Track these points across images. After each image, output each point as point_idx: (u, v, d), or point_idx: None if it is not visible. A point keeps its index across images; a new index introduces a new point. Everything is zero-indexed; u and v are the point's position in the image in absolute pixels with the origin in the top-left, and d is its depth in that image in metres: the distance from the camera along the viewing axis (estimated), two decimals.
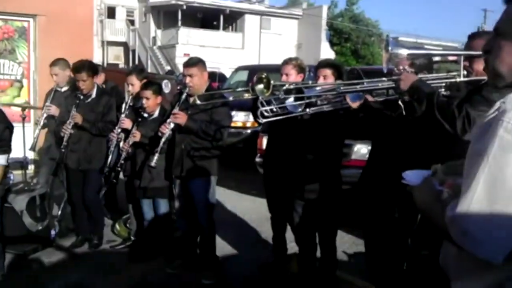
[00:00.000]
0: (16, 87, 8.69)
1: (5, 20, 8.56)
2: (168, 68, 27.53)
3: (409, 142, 3.13)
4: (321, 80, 3.70)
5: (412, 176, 1.59)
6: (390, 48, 2.84)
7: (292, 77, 4.12)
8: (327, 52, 31.18)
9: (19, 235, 4.67)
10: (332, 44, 34.47)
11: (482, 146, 1.18)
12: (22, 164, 5.87)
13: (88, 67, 4.82)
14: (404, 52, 2.90)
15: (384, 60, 2.99)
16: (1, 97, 8.48)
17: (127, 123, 4.64)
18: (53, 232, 4.99)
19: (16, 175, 5.89)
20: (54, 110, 5.02)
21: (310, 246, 3.96)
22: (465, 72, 2.89)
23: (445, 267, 1.40)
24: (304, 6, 35.78)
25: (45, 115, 5.09)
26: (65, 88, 5.20)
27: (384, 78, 3.01)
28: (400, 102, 3.12)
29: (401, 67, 2.99)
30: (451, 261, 1.35)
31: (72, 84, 5.23)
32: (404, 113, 3.12)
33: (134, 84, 4.83)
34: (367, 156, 4.59)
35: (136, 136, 4.45)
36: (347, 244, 5.04)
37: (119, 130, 4.68)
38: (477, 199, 1.16)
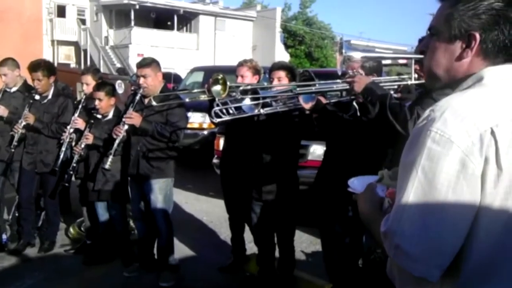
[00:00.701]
0: None
1: None
2: (119, 65, 27.01)
3: (362, 143, 3.21)
4: (275, 82, 3.75)
5: (357, 184, 1.55)
6: (344, 51, 2.91)
7: (248, 78, 4.15)
8: (281, 54, 31.47)
9: None
10: (286, 47, 34.80)
11: (412, 158, 1.14)
12: None
13: (44, 66, 4.70)
14: (357, 55, 2.99)
15: (338, 63, 3.06)
16: None
17: (80, 123, 4.54)
18: (4, 237, 4.83)
19: None
20: (2, 111, 4.85)
21: (269, 246, 4.01)
22: (416, 75, 3.01)
23: (391, 277, 1.36)
24: (258, 8, 35.95)
25: None
26: (14, 89, 5.02)
27: (338, 80, 3.08)
28: (354, 104, 3.22)
29: (354, 70, 3.08)
30: (395, 272, 1.31)
31: (23, 84, 5.06)
32: (358, 114, 3.21)
33: (89, 84, 4.74)
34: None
35: (89, 138, 4.35)
36: (305, 243, 5.11)
37: (71, 130, 4.57)
38: (407, 213, 1.12)
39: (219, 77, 3.33)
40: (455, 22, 1.25)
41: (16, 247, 4.85)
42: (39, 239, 5.00)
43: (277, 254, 4.02)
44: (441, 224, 1.10)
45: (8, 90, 5.01)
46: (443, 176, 1.10)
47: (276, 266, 4.02)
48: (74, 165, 4.45)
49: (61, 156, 4.58)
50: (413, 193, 1.12)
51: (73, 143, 4.56)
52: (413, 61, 3.00)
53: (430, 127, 1.12)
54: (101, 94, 4.35)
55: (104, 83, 4.59)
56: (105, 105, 4.40)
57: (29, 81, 5.01)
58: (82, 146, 4.38)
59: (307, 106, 3.18)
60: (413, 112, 2.64)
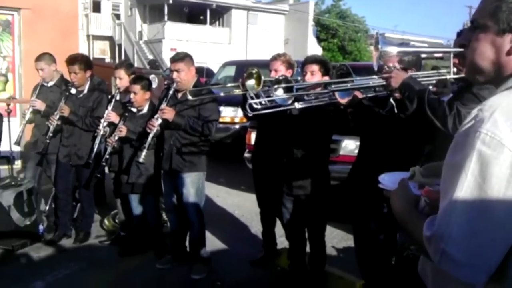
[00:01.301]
0: (1, 81, 8.58)
1: None
2: (151, 57, 27.38)
3: (398, 139, 3.15)
4: (308, 76, 3.71)
5: (388, 180, 1.52)
6: (380, 46, 2.86)
7: (281, 73, 4.09)
8: (314, 48, 31.24)
9: (7, 230, 4.63)
10: (319, 40, 34.54)
11: (459, 159, 1.11)
12: (8, 158, 5.81)
13: (81, 60, 4.80)
14: (393, 50, 2.92)
15: (374, 58, 3.00)
16: None
17: (113, 116, 4.62)
18: (41, 227, 4.95)
19: (2, 170, 5.84)
20: (39, 105, 4.97)
21: (300, 241, 3.99)
22: (455, 69, 2.93)
23: (423, 277, 1.33)
24: (291, 2, 35.77)
25: (30, 109, 5.05)
26: (51, 83, 5.14)
27: (374, 76, 3.02)
28: (391, 100, 3.15)
29: (391, 65, 3.02)
30: (429, 273, 1.28)
31: (59, 79, 5.18)
32: (396, 111, 3.14)
33: (122, 78, 4.79)
34: (356, 151, 4.62)
35: (122, 131, 4.42)
36: (336, 239, 5.07)
37: (105, 124, 4.65)
38: (455, 218, 1.09)
39: (254, 71, 3.32)
40: (503, 15, 1.19)
41: (52, 237, 4.98)
42: (74, 230, 5.12)
43: (308, 249, 4.01)
44: (490, 230, 1.07)
45: (45, 84, 5.13)
46: (494, 180, 1.06)
47: (307, 261, 4.01)
48: (107, 156, 4.53)
49: (95, 149, 4.68)
50: (461, 197, 1.09)
51: (106, 136, 4.65)
52: (451, 55, 2.92)
53: (479, 128, 1.08)
54: (136, 88, 4.41)
55: (140, 77, 4.64)
56: (140, 98, 4.45)
57: (66, 76, 5.12)
58: (116, 138, 4.45)
59: (343, 101, 3.14)
60: (453, 108, 2.58)
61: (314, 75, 3.69)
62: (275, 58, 4.21)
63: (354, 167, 3.56)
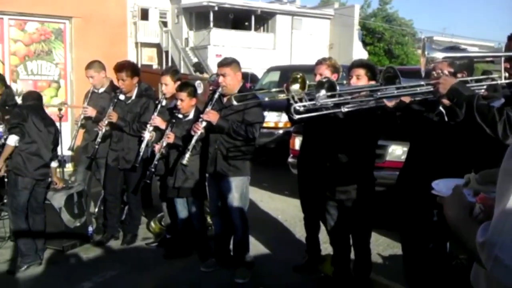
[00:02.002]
0: (54, 87, 8.93)
1: (42, 22, 8.81)
2: (195, 60, 27.81)
3: (450, 145, 3.06)
4: (354, 80, 3.66)
5: (442, 186, 1.49)
6: (426, 52, 2.79)
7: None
8: (359, 52, 30.87)
9: (58, 231, 4.80)
10: (365, 44, 34.12)
11: None
12: (60, 162, 6.02)
13: (128, 67, 4.92)
14: (439, 55, 2.84)
15: (422, 64, 2.93)
16: None
17: (158, 121, 4.71)
18: (90, 229, 5.11)
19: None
20: (91, 112, 5.13)
21: (344, 247, 3.93)
22: (506, 74, 2.82)
23: (475, 286, 1.30)
24: (336, 6, 35.52)
25: (82, 116, 5.22)
26: (101, 90, 5.30)
27: (422, 82, 2.94)
28: (441, 108, 3.05)
29: (439, 71, 2.93)
30: (483, 281, 1.25)
31: (109, 85, 5.32)
32: (446, 118, 3.04)
33: (168, 84, 4.87)
34: (403, 157, 4.52)
35: (170, 137, 4.49)
36: (382, 246, 4.97)
37: (151, 129, 4.74)
38: (509, 225, 1.07)
39: (298, 76, 3.31)
40: None
41: (100, 239, 5.12)
42: (122, 232, 5.24)
43: (353, 256, 3.94)
44: None
45: (96, 91, 5.30)
46: None
47: (352, 268, 3.94)
48: (156, 163, 4.60)
49: (141, 153, 4.79)
50: None
51: (152, 141, 4.75)
52: (502, 59, 2.82)
53: None
54: (183, 95, 4.47)
55: (187, 84, 4.70)
56: (186, 105, 4.51)
57: (115, 82, 5.27)
58: (164, 144, 4.53)
59: (390, 104, 3.08)
60: (503, 114, 2.49)
61: (360, 79, 3.64)
62: (320, 62, 4.18)
63: (402, 173, 3.48)
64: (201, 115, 4.18)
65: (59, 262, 4.63)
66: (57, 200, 4.81)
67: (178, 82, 4.85)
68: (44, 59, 8.84)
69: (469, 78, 3.01)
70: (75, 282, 4.19)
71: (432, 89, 2.83)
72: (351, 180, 3.70)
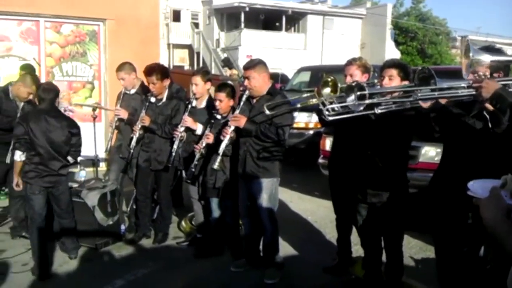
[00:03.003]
0: (88, 88, 9.13)
1: (77, 25, 9.02)
2: (224, 55, 28.00)
3: (487, 147, 2.96)
4: (386, 81, 3.60)
5: (478, 187, 1.46)
6: (471, 55, 2.70)
7: (357, 77, 4.03)
8: (392, 52, 30.45)
9: (91, 229, 4.90)
10: (397, 44, 33.63)
11: None
12: (93, 161, 6.14)
13: (158, 70, 4.95)
14: (487, 58, 2.75)
15: (464, 66, 2.84)
16: (74, 98, 8.94)
17: (189, 122, 4.74)
18: (123, 227, 5.20)
19: (88, 172, 6.17)
20: (123, 114, 5.21)
21: (375, 250, 3.88)
22: None
23: None
24: (368, 5, 35.12)
25: (116, 118, 5.31)
26: (133, 91, 5.37)
27: (463, 84, 2.83)
28: (485, 113, 2.95)
29: (481, 73, 2.84)
30: None
31: (140, 86, 5.39)
32: (490, 125, 2.94)
33: (198, 84, 4.87)
34: (436, 159, 4.44)
35: (210, 138, 4.52)
36: (414, 249, 4.89)
37: (182, 129, 4.78)
38: None
39: (329, 79, 3.27)
40: None
41: (132, 237, 5.20)
42: (153, 231, 5.31)
43: (384, 258, 3.89)
44: None
45: (127, 92, 5.38)
46: None
47: (383, 271, 3.89)
48: (196, 162, 4.63)
49: (173, 154, 4.83)
50: None
51: (183, 141, 4.80)
52: None
53: None
54: (222, 95, 4.47)
55: (225, 85, 4.71)
56: (225, 106, 4.52)
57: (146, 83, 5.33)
58: (203, 145, 4.56)
59: (425, 105, 3.01)
60: None
61: (393, 80, 3.58)
62: (350, 62, 4.13)
63: (436, 175, 3.39)
64: (229, 120, 4.19)
65: (93, 259, 4.72)
66: (91, 198, 4.91)
67: (209, 83, 4.88)
68: (78, 61, 9.05)
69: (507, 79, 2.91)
70: (107, 279, 4.26)
71: (474, 92, 2.73)
72: (383, 183, 3.65)
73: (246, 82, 4.19)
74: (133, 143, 5.02)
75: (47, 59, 8.80)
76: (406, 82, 3.55)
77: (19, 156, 4.34)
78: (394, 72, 3.59)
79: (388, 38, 32.15)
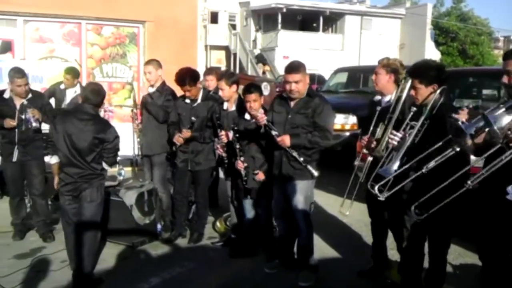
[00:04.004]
0: (127, 89, 9.33)
1: (117, 27, 9.24)
2: (258, 51, 28.13)
3: None
4: (412, 92, 3.51)
5: None
6: None
7: (381, 76, 4.06)
8: (432, 52, 29.84)
9: (129, 228, 5.00)
10: (437, 44, 32.94)
11: None
12: (132, 161, 6.27)
13: (190, 78, 4.98)
14: None
15: None
16: (113, 98, 9.15)
17: (225, 137, 4.72)
18: (159, 226, 5.27)
19: (126, 171, 6.30)
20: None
21: (417, 256, 3.75)
22: None
23: None
24: (408, 5, 34.55)
25: (137, 121, 5.37)
26: (153, 90, 5.39)
27: None
28: None
29: None
30: None
31: (161, 84, 5.37)
32: None
33: (223, 89, 4.87)
34: (480, 163, 4.28)
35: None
36: (453, 255, 4.74)
37: (223, 144, 4.81)
38: None
39: None
40: None
41: (169, 236, 5.27)
42: (189, 230, 5.36)
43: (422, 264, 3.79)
44: None
45: (149, 91, 5.43)
46: None
47: (423, 277, 3.78)
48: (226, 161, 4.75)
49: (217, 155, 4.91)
50: None
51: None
52: None
53: None
54: (251, 97, 4.46)
55: (256, 86, 4.73)
56: (255, 106, 4.53)
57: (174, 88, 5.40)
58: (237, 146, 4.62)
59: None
60: None
61: (417, 90, 3.46)
62: (378, 62, 4.13)
63: (485, 179, 3.26)
64: (278, 139, 4.13)
65: (129, 257, 4.82)
66: (129, 197, 5.01)
67: (234, 85, 4.88)
68: (118, 62, 9.27)
69: None
70: (144, 277, 4.34)
71: None
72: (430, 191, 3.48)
73: (294, 86, 4.12)
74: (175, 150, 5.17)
75: (88, 61, 9.05)
76: (433, 86, 3.42)
77: (50, 158, 4.34)
78: (415, 82, 3.49)
79: (428, 38, 31.53)
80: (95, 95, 4.20)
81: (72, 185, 4.11)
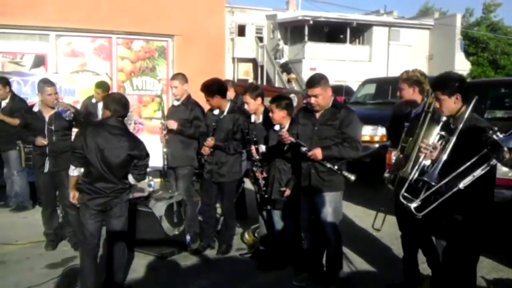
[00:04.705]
0: (157, 102, 9.45)
1: (147, 41, 9.41)
2: (283, 60, 28.19)
3: None
4: (436, 105, 3.46)
5: None
6: None
7: (404, 91, 4.13)
8: (462, 63, 29.42)
9: (158, 238, 5.04)
10: (467, 54, 32.43)
11: None
12: (161, 172, 6.33)
13: (217, 90, 5.07)
14: None
15: None
16: (143, 111, 9.29)
17: (255, 151, 4.75)
18: (188, 237, 5.30)
19: (156, 183, 6.37)
20: (172, 124, 5.30)
21: (451, 271, 3.65)
22: None
23: None
24: (436, 16, 34.18)
25: (165, 132, 5.40)
26: (178, 103, 5.44)
27: None
28: None
29: None
30: None
31: (186, 98, 5.41)
32: None
33: (249, 102, 4.93)
34: (510, 174, 4.20)
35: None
36: (486, 269, 4.63)
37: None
38: None
39: None
40: None
41: (197, 248, 5.29)
42: (217, 242, 5.38)
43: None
44: None
45: (174, 104, 5.49)
46: None
47: None
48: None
49: (243, 168, 4.94)
50: None
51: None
52: None
53: None
54: (272, 106, 4.53)
55: (279, 97, 4.76)
56: (277, 116, 4.53)
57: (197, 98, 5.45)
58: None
59: None
60: None
61: (442, 102, 3.40)
62: (400, 75, 4.20)
63: None
64: (309, 154, 4.12)
65: (159, 268, 4.85)
66: (158, 209, 5.06)
67: (259, 98, 4.92)
68: (148, 75, 9.43)
69: None
70: None
71: None
72: (460, 205, 3.35)
73: (313, 100, 4.16)
74: (205, 157, 5.18)
75: (119, 74, 9.23)
76: (456, 96, 3.37)
77: (71, 170, 4.13)
78: (438, 93, 3.41)
79: (457, 49, 31.10)
80: (123, 106, 4.12)
81: (103, 199, 3.98)
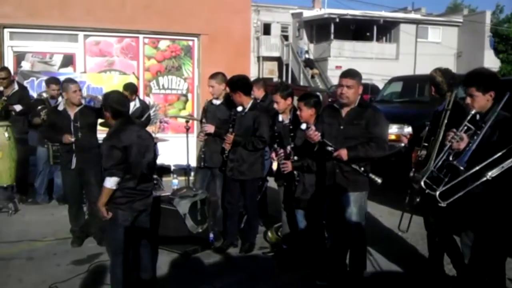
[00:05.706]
0: (182, 100, 9.57)
1: (173, 40, 9.51)
2: (306, 56, 28.08)
3: None
4: (468, 100, 3.40)
5: None
6: None
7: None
8: (491, 60, 28.77)
9: (182, 236, 5.08)
10: (497, 52, 31.71)
11: None
12: (185, 171, 6.39)
13: (241, 86, 5.09)
14: None
15: None
16: (169, 109, 9.39)
17: (274, 156, 4.81)
18: (211, 235, 5.33)
19: (180, 181, 6.43)
20: (210, 129, 5.35)
21: (475, 272, 3.59)
22: None
23: None
24: (465, 12, 33.52)
25: (203, 134, 5.45)
26: (218, 102, 5.49)
27: None
28: None
29: None
30: None
31: (224, 98, 5.51)
32: None
33: (279, 102, 4.91)
34: None
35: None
36: None
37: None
38: None
39: None
40: None
41: (221, 246, 5.31)
42: (240, 240, 5.39)
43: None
44: None
45: (213, 103, 5.53)
46: None
47: None
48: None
49: (267, 166, 4.93)
50: None
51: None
52: None
53: None
54: (300, 104, 4.55)
55: (306, 95, 4.77)
56: (305, 114, 4.55)
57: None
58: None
59: None
60: None
61: (475, 98, 3.35)
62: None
63: None
64: (335, 154, 4.07)
65: (182, 265, 4.89)
66: (183, 206, 5.10)
67: (289, 98, 4.90)
68: (174, 74, 9.54)
69: None
70: (195, 285, 4.40)
71: None
72: (485, 206, 3.33)
73: (344, 90, 4.07)
74: (226, 153, 5.19)
75: (145, 73, 9.35)
76: (490, 93, 3.30)
77: (109, 182, 3.67)
78: (472, 89, 3.37)
79: (487, 46, 30.44)
80: (123, 106, 3.90)
81: (147, 199, 3.92)
